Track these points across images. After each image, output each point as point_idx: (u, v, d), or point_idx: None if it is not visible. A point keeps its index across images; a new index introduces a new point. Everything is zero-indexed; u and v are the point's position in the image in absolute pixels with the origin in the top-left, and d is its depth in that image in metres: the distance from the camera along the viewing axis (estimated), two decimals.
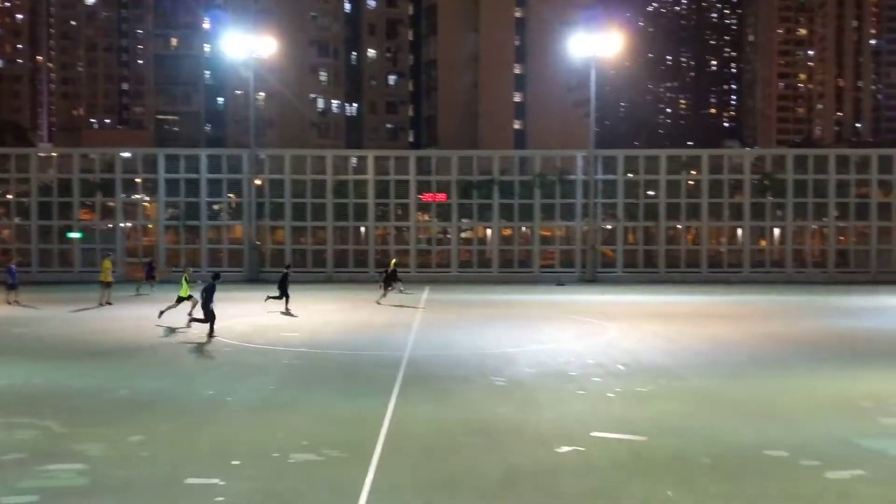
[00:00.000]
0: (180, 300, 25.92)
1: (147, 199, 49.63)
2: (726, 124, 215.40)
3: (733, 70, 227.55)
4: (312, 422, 13.51)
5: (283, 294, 29.94)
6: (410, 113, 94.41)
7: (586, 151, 48.67)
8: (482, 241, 49.94)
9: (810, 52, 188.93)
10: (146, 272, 38.45)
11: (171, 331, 24.25)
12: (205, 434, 12.71)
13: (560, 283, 45.05)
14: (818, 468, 10.82)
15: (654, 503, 9.62)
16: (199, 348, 21.34)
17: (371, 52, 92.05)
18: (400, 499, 9.80)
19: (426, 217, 49.79)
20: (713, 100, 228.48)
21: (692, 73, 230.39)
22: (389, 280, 34.17)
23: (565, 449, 11.72)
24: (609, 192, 48.48)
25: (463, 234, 49.94)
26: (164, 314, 25.65)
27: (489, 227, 49.37)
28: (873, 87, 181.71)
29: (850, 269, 48.11)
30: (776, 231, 49.49)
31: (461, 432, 12.67)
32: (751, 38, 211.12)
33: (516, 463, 11.09)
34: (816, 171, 48.37)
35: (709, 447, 11.86)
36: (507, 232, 49.59)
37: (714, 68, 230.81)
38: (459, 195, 48.54)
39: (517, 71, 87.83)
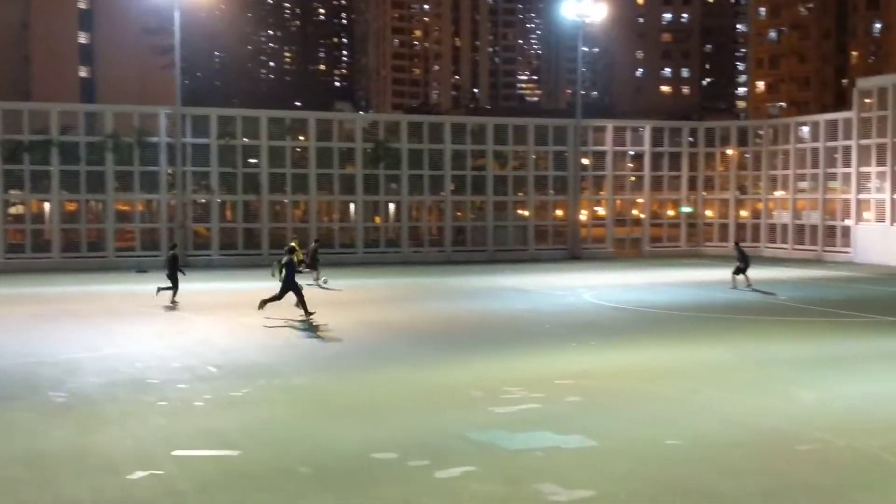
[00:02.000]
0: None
1: None
2: (338, 84, 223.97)
3: (343, 21, 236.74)
4: None
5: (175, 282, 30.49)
6: None
7: (171, 108, 48.34)
8: (39, 218, 47.26)
9: (426, 7, 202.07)
10: None
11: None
12: None
13: (141, 269, 43.81)
14: (427, 468, 11.69)
15: None
16: None
17: None
18: None
19: None
20: (322, 54, 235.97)
21: (297, 22, 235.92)
22: (314, 260, 36.87)
23: (140, 475, 11.48)
24: (201, 158, 48.33)
25: (12, 210, 47.54)
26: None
27: (47, 201, 47.19)
28: (490, 50, 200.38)
29: (467, 248, 52.69)
30: (391, 206, 52.58)
31: None
32: None
33: (74, 499, 10.67)
34: (432, 139, 52.16)
35: (311, 455, 12.30)
36: (72, 206, 47.94)
37: (322, 17, 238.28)
38: (5, 159, 45.76)
39: (82, 5, 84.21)
